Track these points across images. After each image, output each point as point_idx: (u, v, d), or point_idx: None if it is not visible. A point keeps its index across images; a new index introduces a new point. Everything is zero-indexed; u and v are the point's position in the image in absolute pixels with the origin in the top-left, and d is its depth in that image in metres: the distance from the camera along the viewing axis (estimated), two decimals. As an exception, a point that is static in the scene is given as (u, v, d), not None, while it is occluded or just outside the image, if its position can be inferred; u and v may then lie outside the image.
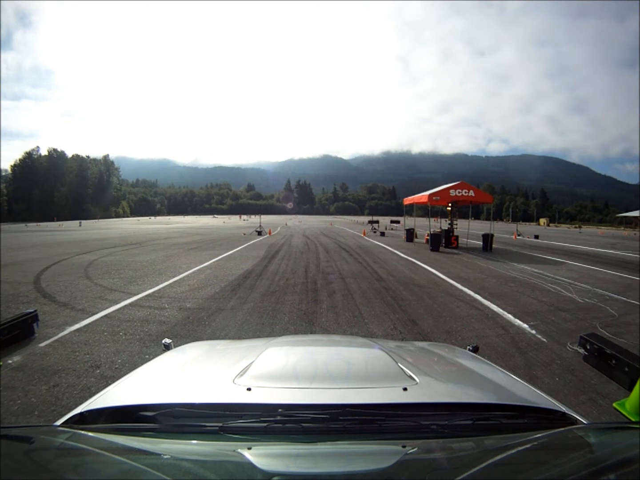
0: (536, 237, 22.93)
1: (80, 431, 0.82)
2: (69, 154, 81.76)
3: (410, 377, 0.98)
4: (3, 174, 78.84)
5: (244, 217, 65.45)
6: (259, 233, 19.99)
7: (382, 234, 20.89)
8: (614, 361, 3.06)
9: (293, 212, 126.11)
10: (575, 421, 0.91)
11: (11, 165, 75.70)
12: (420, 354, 1.56)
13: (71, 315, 4.63)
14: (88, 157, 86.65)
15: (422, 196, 15.19)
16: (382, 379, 0.96)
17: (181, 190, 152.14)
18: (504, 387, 1.12)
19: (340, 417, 0.81)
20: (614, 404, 2.68)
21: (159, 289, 6.17)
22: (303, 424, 0.80)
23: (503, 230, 32.04)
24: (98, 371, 3.08)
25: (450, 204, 15.28)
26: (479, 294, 6.11)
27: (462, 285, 6.83)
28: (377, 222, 28.39)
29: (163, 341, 1.68)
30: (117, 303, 5.21)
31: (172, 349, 1.58)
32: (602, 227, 60.98)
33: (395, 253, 12.08)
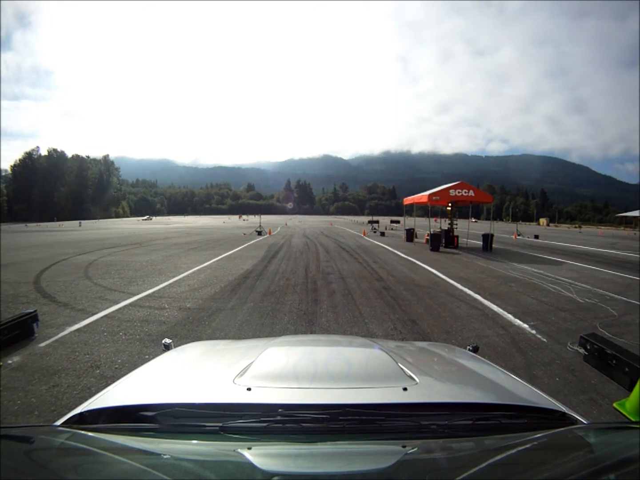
0: (536, 237, 22.94)
1: (80, 431, 0.82)
2: (69, 154, 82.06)
3: (410, 377, 0.98)
4: (3, 174, 78.98)
5: (243, 217, 65.59)
6: (259, 233, 20.00)
7: (382, 234, 20.89)
8: (614, 361, 3.05)
9: (293, 212, 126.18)
10: (575, 421, 0.91)
11: (11, 166, 75.89)
12: (420, 354, 1.55)
13: (71, 316, 4.63)
14: (88, 157, 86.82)
15: (422, 196, 15.20)
16: (382, 379, 0.96)
17: (181, 190, 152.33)
18: (504, 387, 1.12)
19: (340, 417, 0.81)
20: (614, 404, 2.68)
21: (159, 289, 6.16)
22: (303, 424, 0.80)
23: (503, 230, 32.04)
24: (98, 371, 3.08)
25: (450, 204, 15.28)
26: (479, 294, 6.11)
27: (462, 285, 6.83)
28: (377, 222, 28.41)
29: (163, 341, 1.68)
30: (117, 303, 5.21)
31: (172, 349, 1.58)
32: (602, 227, 60.98)
33: (395, 253, 12.08)
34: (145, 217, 61.29)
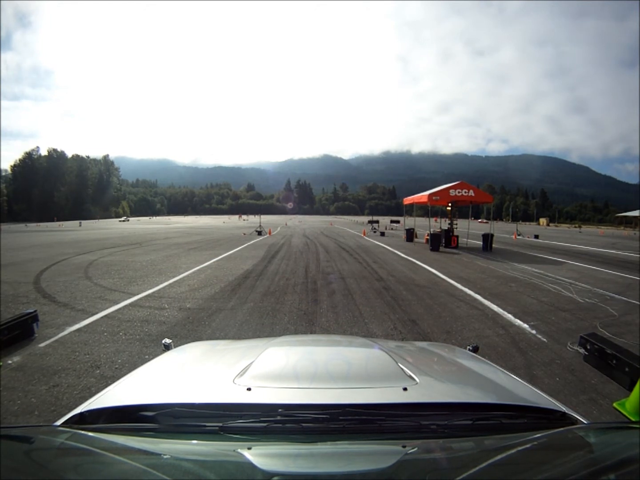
0: (536, 236, 22.95)
1: (80, 431, 0.82)
2: (69, 154, 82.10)
3: (410, 377, 0.98)
4: (3, 174, 79.05)
5: (243, 217, 65.68)
6: (259, 233, 20.00)
7: (382, 234, 20.90)
8: (614, 361, 3.05)
9: (293, 212, 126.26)
10: (575, 421, 0.91)
11: (11, 166, 75.97)
12: (420, 354, 1.55)
13: (71, 316, 4.63)
14: (88, 157, 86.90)
15: (422, 196, 15.20)
16: (382, 379, 0.96)
17: (181, 190, 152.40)
18: (504, 387, 1.12)
19: (340, 417, 0.81)
20: (614, 404, 2.68)
21: (159, 289, 6.16)
22: (303, 424, 0.80)
23: (503, 230, 32.05)
24: (98, 371, 3.08)
25: (450, 204, 15.29)
26: (479, 294, 6.11)
27: (462, 285, 6.83)
28: (377, 222, 28.42)
29: (163, 341, 1.68)
30: (117, 303, 5.21)
31: (172, 349, 1.58)
32: (602, 227, 61.01)
33: (395, 253, 12.08)
34: (122, 219, 61.92)
